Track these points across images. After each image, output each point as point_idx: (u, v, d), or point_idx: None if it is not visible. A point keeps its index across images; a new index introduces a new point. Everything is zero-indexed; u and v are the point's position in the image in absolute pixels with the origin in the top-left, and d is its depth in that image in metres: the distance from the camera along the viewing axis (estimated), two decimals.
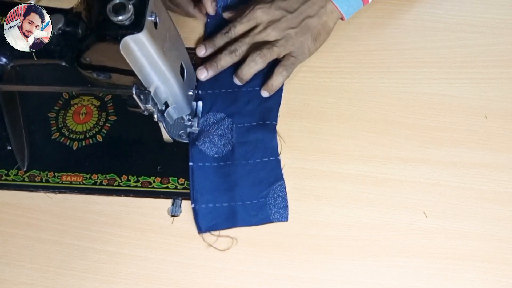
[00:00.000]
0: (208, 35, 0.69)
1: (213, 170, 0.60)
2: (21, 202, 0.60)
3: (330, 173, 0.60)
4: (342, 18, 0.66)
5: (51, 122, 0.65)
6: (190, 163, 0.60)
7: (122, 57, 0.45)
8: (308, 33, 0.64)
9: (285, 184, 0.59)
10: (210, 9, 0.68)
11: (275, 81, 0.63)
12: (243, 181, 0.59)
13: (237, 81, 0.65)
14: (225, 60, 0.64)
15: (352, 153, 0.61)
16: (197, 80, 0.64)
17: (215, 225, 0.57)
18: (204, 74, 0.64)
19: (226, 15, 0.70)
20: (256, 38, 0.64)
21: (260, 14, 0.64)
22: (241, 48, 0.64)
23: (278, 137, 0.61)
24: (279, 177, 0.59)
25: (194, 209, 0.58)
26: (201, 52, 0.65)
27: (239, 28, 0.65)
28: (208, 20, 0.70)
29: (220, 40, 0.65)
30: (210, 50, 0.65)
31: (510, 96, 0.64)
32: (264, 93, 0.64)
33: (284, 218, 0.57)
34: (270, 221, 0.57)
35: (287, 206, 0.58)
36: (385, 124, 0.63)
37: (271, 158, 0.60)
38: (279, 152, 0.61)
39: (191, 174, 0.59)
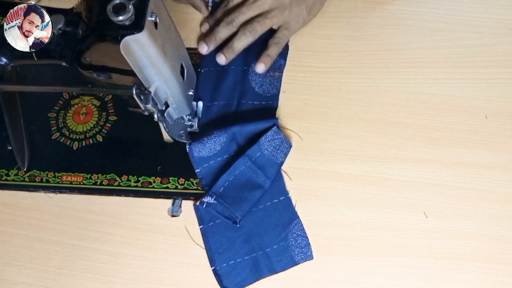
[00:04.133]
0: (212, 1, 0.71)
1: (225, 225, 0.57)
2: (21, 202, 0.60)
3: (330, 173, 0.60)
4: None
5: (51, 122, 0.65)
6: (200, 226, 0.57)
7: (122, 57, 0.45)
8: (303, 3, 0.65)
9: (301, 222, 0.57)
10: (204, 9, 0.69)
11: (270, 52, 0.64)
12: (258, 229, 0.57)
13: (222, 58, 0.64)
14: (223, 32, 0.65)
15: (352, 153, 0.61)
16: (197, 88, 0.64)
17: (242, 281, 0.55)
18: (205, 49, 0.65)
19: None
20: (251, 7, 0.65)
21: None
22: (237, 18, 0.64)
23: (284, 174, 0.60)
24: (294, 216, 0.57)
25: (215, 271, 0.55)
26: (205, 28, 0.68)
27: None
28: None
29: (219, 13, 0.67)
30: (212, 47, 0.66)
31: (510, 96, 0.64)
32: (260, 66, 0.64)
33: (309, 257, 0.55)
34: (296, 263, 0.55)
35: (309, 243, 0.56)
36: (385, 124, 0.63)
37: (281, 198, 0.58)
38: (287, 190, 0.59)
39: (204, 237, 0.57)
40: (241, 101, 0.63)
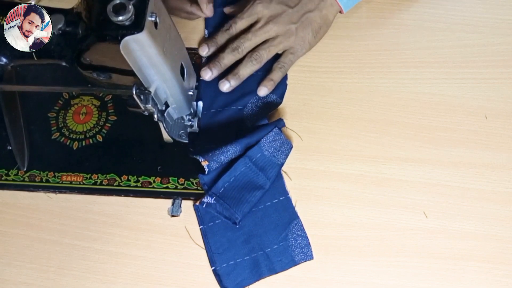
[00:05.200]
0: (209, 32, 0.69)
1: (225, 225, 0.57)
2: (21, 202, 0.60)
3: (330, 173, 0.60)
4: (340, 11, 0.67)
5: (51, 122, 0.65)
6: (200, 226, 0.57)
7: (122, 57, 0.45)
8: (309, 28, 0.64)
9: (301, 222, 0.57)
10: (207, 11, 0.66)
11: (274, 76, 0.64)
12: (258, 229, 0.57)
13: (225, 85, 0.63)
14: (228, 58, 0.64)
15: (352, 153, 0.61)
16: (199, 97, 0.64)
17: (241, 282, 0.55)
18: (208, 74, 0.64)
19: (227, 10, 0.70)
20: (257, 34, 0.64)
21: (260, 9, 0.64)
22: (243, 44, 0.63)
23: (283, 174, 0.60)
24: (294, 216, 0.57)
25: (215, 271, 0.55)
26: (204, 51, 0.66)
27: (240, 24, 0.65)
28: (208, 17, 0.70)
29: (221, 38, 0.66)
30: (212, 49, 0.66)
31: (510, 96, 0.64)
32: (263, 90, 0.63)
33: (309, 257, 0.55)
34: (296, 263, 0.55)
35: (309, 243, 0.56)
36: (385, 124, 0.63)
37: (281, 199, 0.58)
38: (287, 191, 0.59)
39: (204, 237, 0.57)
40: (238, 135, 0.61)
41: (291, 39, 0.64)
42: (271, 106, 0.63)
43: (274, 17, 0.64)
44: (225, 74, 0.64)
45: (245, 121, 0.62)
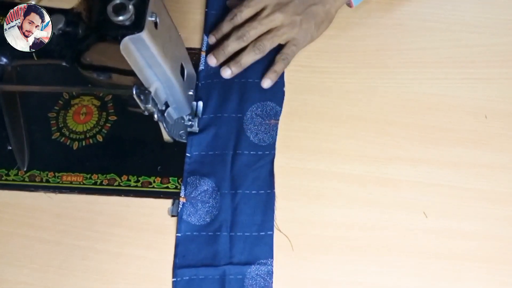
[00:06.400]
0: (209, 26, 0.69)
1: (197, 238, 0.57)
2: (21, 202, 0.60)
3: (330, 173, 0.60)
4: (350, 5, 0.67)
5: (51, 122, 0.65)
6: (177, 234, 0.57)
7: (123, 57, 0.45)
8: (312, 21, 0.65)
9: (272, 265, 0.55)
10: None
11: (277, 67, 0.64)
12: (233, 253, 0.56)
13: (227, 72, 0.64)
14: (233, 46, 0.64)
15: (352, 153, 0.61)
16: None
17: None
18: (213, 61, 0.65)
19: (229, 2, 0.70)
20: (262, 22, 0.64)
21: None
22: (248, 33, 0.64)
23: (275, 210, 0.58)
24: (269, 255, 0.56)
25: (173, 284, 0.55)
26: (211, 41, 0.67)
27: (246, 12, 0.65)
28: (212, 12, 0.70)
29: (226, 27, 0.66)
30: (217, 36, 0.66)
31: (510, 96, 0.64)
32: (267, 81, 0.64)
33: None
34: None
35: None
36: (385, 124, 0.63)
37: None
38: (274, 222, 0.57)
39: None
40: (236, 151, 0.61)
41: (294, 30, 0.64)
42: (270, 114, 0.63)
43: (281, 6, 0.64)
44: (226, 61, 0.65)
45: (245, 130, 0.62)
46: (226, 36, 0.65)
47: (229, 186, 0.59)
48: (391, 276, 0.55)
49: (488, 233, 0.56)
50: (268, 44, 0.64)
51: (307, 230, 0.57)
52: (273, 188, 0.59)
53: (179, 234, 0.57)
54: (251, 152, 0.61)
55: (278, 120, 0.63)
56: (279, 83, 0.65)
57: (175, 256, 0.56)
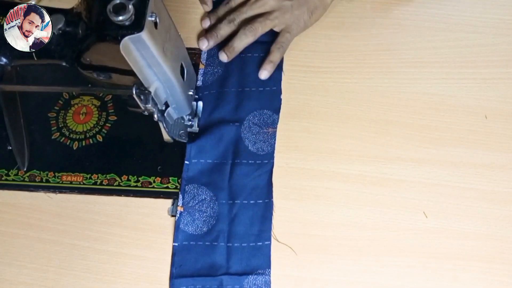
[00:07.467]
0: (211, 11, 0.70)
1: (194, 248, 0.56)
2: (21, 202, 0.60)
3: (330, 173, 0.60)
4: None
5: (51, 122, 0.65)
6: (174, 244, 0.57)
7: (122, 57, 0.45)
8: (304, 6, 0.65)
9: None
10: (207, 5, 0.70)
11: (273, 57, 0.64)
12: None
13: (223, 56, 0.65)
14: (224, 30, 0.65)
15: (352, 153, 0.61)
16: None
17: None
18: (205, 44, 0.66)
19: None
20: (253, 7, 0.65)
21: None
22: (239, 17, 0.65)
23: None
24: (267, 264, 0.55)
25: None
26: (206, 24, 0.68)
27: None
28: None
29: (221, 10, 0.68)
30: (213, 20, 0.68)
31: (510, 96, 0.64)
32: (264, 73, 0.64)
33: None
34: None
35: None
36: (385, 124, 0.63)
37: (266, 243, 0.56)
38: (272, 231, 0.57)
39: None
40: (235, 161, 0.60)
41: (286, 15, 0.65)
42: (267, 122, 0.62)
43: None
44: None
45: (243, 138, 0.61)
46: (220, 20, 0.67)
47: (227, 196, 0.58)
48: (391, 276, 0.55)
49: (488, 233, 0.56)
50: (260, 27, 0.64)
51: (307, 230, 0.57)
52: (271, 198, 0.58)
53: (176, 244, 0.57)
54: (250, 161, 0.60)
55: (276, 128, 0.62)
56: (276, 91, 0.64)
57: (172, 265, 0.56)
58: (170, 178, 0.60)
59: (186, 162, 0.60)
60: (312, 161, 0.61)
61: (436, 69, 0.66)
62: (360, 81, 0.65)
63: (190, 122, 0.62)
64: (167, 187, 0.60)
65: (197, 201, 0.58)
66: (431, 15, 0.69)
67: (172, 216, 0.58)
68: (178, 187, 0.59)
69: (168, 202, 0.59)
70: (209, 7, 0.70)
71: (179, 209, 0.58)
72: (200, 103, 0.64)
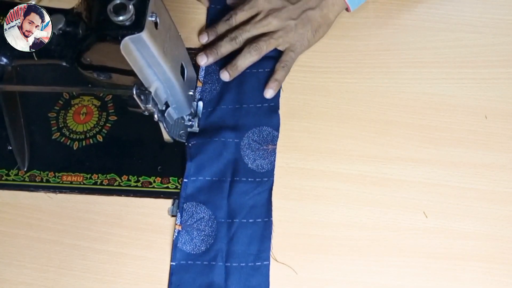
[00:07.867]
0: (210, 22, 0.69)
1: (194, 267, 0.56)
2: (21, 202, 0.60)
3: (330, 173, 0.60)
4: (347, 10, 0.67)
5: (52, 122, 0.65)
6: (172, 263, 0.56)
7: (123, 57, 0.45)
8: (308, 25, 0.65)
9: None
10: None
11: (278, 76, 0.64)
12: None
13: (225, 75, 0.63)
14: (225, 47, 0.64)
15: (352, 153, 0.61)
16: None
17: None
18: (204, 60, 0.64)
19: (229, 1, 0.70)
20: (256, 26, 0.64)
21: (262, 2, 0.65)
22: (241, 35, 0.64)
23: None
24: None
25: None
26: (204, 39, 0.67)
27: (240, 15, 0.65)
28: (212, 6, 0.71)
29: (221, 27, 0.66)
30: (211, 37, 0.67)
31: (510, 96, 0.64)
32: (269, 92, 0.63)
33: None
34: None
35: None
36: (385, 124, 0.63)
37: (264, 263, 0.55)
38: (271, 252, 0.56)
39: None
40: (234, 178, 0.59)
41: (290, 35, 0.64)
42: (267, 139, 0.62)
43: (274, 11, 0.64)
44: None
45: (242, 156, 0.61)
46: (220, 37, 0.65)
47: (226, 215, 0.58)
48: (391, 276, 0.55)
49: (488, 233, 0.56)
50: (264, 46, 0.63)
51: (307, 230, 0.57)
52: (271, 216, 0.57)
53: (174, 263, 0.56)
54: (249, 179, 0.59)
55: (276, 145, 0.61)
56: (274, 107, 0.63)
57: (170, 285, 0.55)
58: (170, 178, 0.60)
59: (185, 180, 0.59)
60: (312, 161, 0.61)
61: (436, 69, 0.66)
62: (360, 81, 0.65)
63: (190, 122, 0.62)
64: (167, 187, 0.60)
65: (195, 220, 0.57)
66: (431, 15, 0.69)
67: (172, 216, 0.58)
68: (179, 187, 0.59)
69: (168, 202, 0.59)
70: (207, 2, 0.70)
71: (177, 227, 0.57)
72: (200, 103, 0.64)
